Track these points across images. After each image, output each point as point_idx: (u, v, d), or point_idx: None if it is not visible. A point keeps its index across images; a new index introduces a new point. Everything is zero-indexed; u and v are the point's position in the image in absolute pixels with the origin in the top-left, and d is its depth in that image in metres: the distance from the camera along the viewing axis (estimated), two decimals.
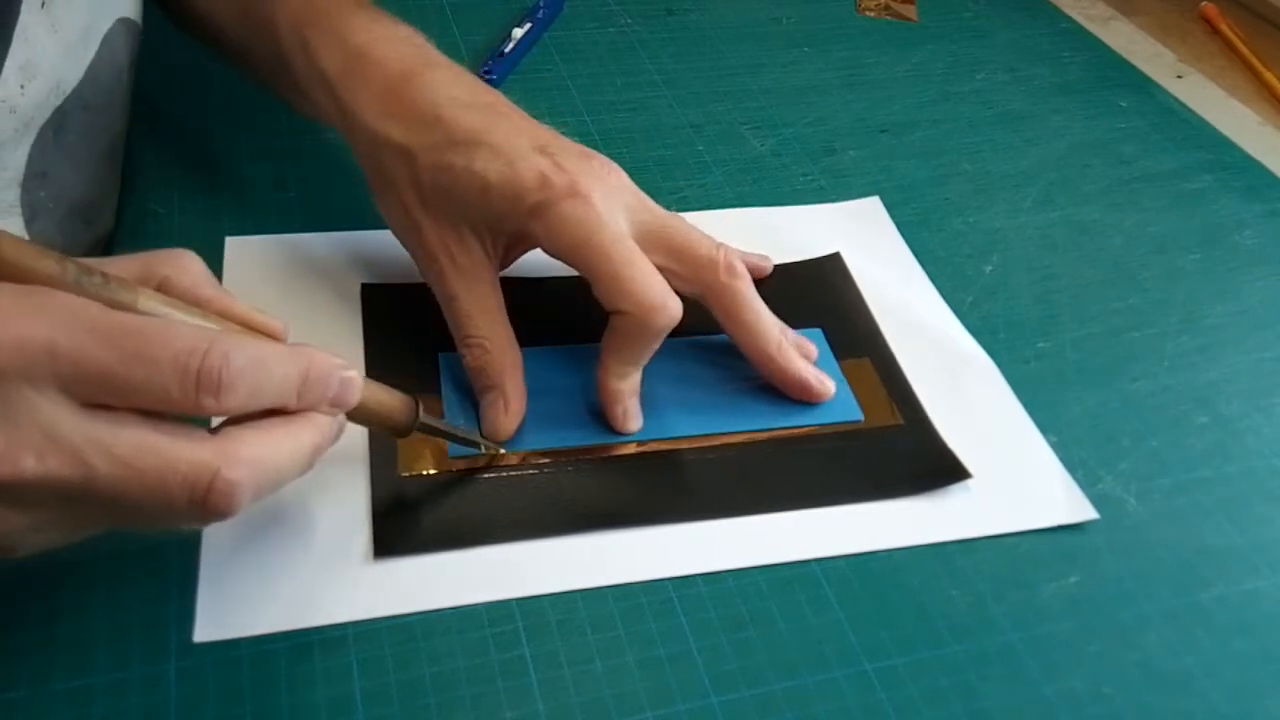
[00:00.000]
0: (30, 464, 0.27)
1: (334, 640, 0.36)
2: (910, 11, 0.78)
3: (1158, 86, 0.72)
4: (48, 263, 0.28)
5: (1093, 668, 0.38)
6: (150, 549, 0.38)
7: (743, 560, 0.40)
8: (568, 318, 0.46)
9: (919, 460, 0.44)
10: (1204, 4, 0.81)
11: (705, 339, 0.46)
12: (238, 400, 0.29)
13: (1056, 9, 0.80)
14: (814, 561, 0.41)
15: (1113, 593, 0.41)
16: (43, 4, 0.42)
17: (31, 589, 0.37)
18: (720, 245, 0.44)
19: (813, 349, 0.47)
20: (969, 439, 0.45)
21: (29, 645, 0.35)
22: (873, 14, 0.77)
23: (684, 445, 0.44)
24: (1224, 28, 0.79)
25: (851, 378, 0.47)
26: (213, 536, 0.38)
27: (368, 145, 0.45)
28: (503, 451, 0.42)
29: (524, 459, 0.42)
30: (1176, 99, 0.70)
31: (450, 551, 0.39)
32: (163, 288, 0.32)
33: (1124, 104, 0.69)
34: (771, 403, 0.45)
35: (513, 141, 0.42)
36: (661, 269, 0.42)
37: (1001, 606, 0.40)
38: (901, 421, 0.46)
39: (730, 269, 0.44)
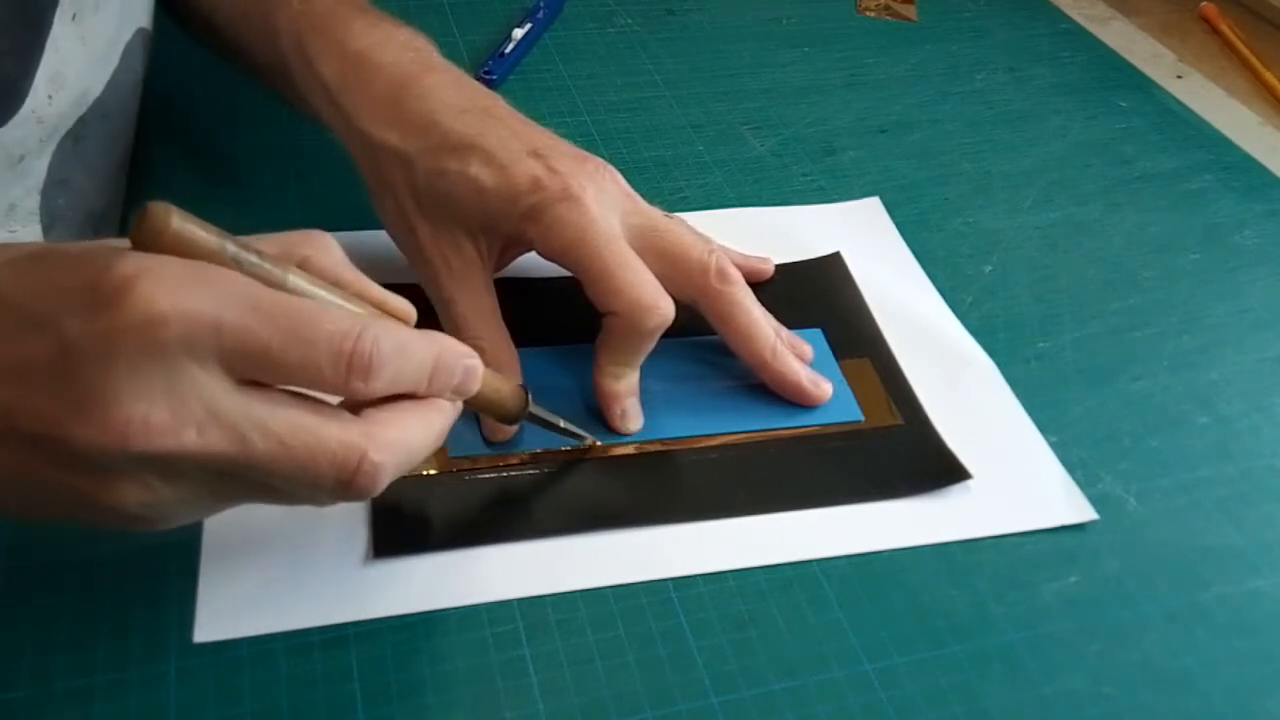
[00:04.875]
0: (192, 438, 0.28)
1: (334, 640, 0.36)
2: (910, 11, 0.78)
3: (1158, 86, 0.72)
4: (210, 238, 0.29)
5: (1093, 668, 0.38)
6: (150, 549, 0.38)
7: (743, 560, 0.40)
8: (565, 318, 0.46)
9: (919, 460, 0.44)
10: (1204, 4, 0.81)
11: (706, 339, 0.46)
12: (381, 384, 0.30)
13: (1056, 9, 0.80)
14: (814, 561, 0.40)
15: (1113, 593, 0.41)
16: (74, 16, 0.43)
17: (32, 589, 0.37)
18: (713, 250, 0.44)
19: (808, 350, 0.47)
20: (969, 439, 0.45)
21: (29, 645, 0.35)
22: (873, 14, 0.77)
23: (684, 445, 0.44)
24: (1224, 28, 0.79)
25: (851, 378, 0.47)
26: (213, 536, 0.38)
27: (365, 150, 0.45)
28: (598, 444, 0.43)
29: (524, 459, 0.42)
30: (1176, 99, 0.70)
31: (450, 551, 0.39)
32: (303, 267, 0.32)
33: (1124, 104, 0.69)
34: (771, 403, 0.45)
35: (507, 145, 0.43)
36: (653, 274, 0.42)
37: (1001, 606, 0.40)
38: (901, 422, 0.46)
39: (722, 274, 0.44)
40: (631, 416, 0.43)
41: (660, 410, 0.44)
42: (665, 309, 0.41)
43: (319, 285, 0.31)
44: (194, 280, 0.28)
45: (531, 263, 0.45)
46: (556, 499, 0.41)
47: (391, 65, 0.45)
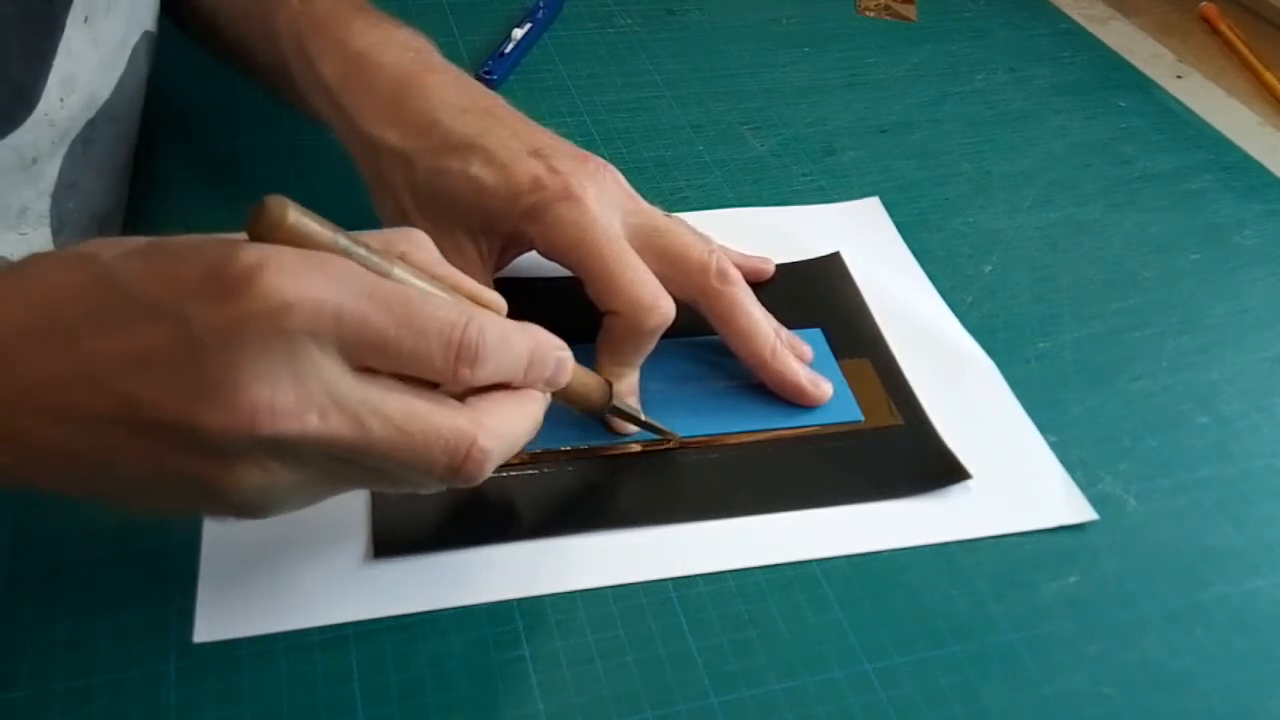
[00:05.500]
0: (314, 422, 0.28)
1: (334, 640, 0.36)
2: (910, 11, 0.78)
3: (1158, 86, 0.72)
4: (324, 231, 0.29)
5: (1093, 668, 0.38)
6: (150, 549, 0.38)
7: (743, 560, 0.40)
8: (565, 318, 0.46)
9: (919, 460, 0.44)
10: (1204, 4, 0.81)
11: (706, 339, 0.46)
12: (485, 373, 0.31)
13: (1056, 9, 0.80)
14: (814, 561, 0.40)
15: (1113, 593, 0.41)
16: (86, 19, 0.43)
17: (31, 589, 0.37)
18: (713, 250, 0.44)
19: (808, 350, 0.47)
20: (969, 439, 0.45)
21: (29, 645, 0.35)
22: (873, 14, 0.77)
23: (684, 445, 0.44)
24: (1224, 28, 0.79)
25: (851, 378, 0.47)
26: (213, 536, 0.38)
27: (366, 150, 0.45)
28: (679, 437, 0.43)
29: (524, 459, 0.42)
30: (1176, 99, 0.70)
31: (450, 551, 0.39)
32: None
33: (1124, 104, 0.69)
34: (771, 403, 0.45)
35: (508, 145, 0.43)
36: (654, 274, 0.42)
37: (1001, 606, 0.40)
38: (901, 422, 0.46)
39: (722, 274, 0.44)
40: None
41: (660, 410, 0.44)
42: (665, 308, 0.41)
43: (421, 277, 0.32)
44: (315, 269, 0.28)
45: (531, 263, 0.45)
46: (556, 499, 0.41)
47: (392, 65, 0.45)
